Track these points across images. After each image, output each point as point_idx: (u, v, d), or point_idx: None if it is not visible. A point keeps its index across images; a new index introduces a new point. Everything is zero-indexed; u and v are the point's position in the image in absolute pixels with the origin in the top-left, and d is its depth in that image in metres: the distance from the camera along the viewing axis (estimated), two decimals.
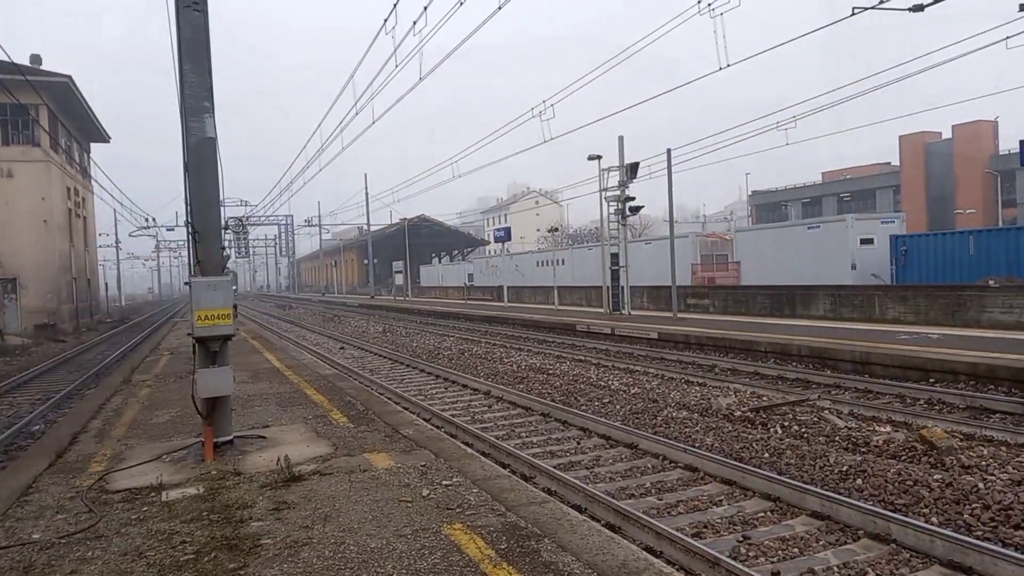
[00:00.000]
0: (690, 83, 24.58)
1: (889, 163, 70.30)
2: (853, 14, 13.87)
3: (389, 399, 11.54)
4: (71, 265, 41.94)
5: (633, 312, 26.50)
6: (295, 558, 4.40)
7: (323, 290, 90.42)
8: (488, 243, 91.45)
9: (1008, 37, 15.32)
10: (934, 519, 5.94)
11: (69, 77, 36.46)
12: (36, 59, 38.77)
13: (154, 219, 59.84)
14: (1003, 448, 7.86)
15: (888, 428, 8.93)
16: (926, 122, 72.68)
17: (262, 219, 75.73)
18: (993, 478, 6.71)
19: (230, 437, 7.35)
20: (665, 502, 6.81)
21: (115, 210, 68.02)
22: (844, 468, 7.25)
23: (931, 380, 11.88)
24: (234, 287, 67.30)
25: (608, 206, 26.09)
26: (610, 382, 13.22)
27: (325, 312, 46.57)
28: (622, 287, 26.39)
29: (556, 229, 47.01)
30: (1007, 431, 8.77)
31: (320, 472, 6.29)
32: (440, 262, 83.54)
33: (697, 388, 12.32)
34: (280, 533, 4.84)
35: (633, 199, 25.46)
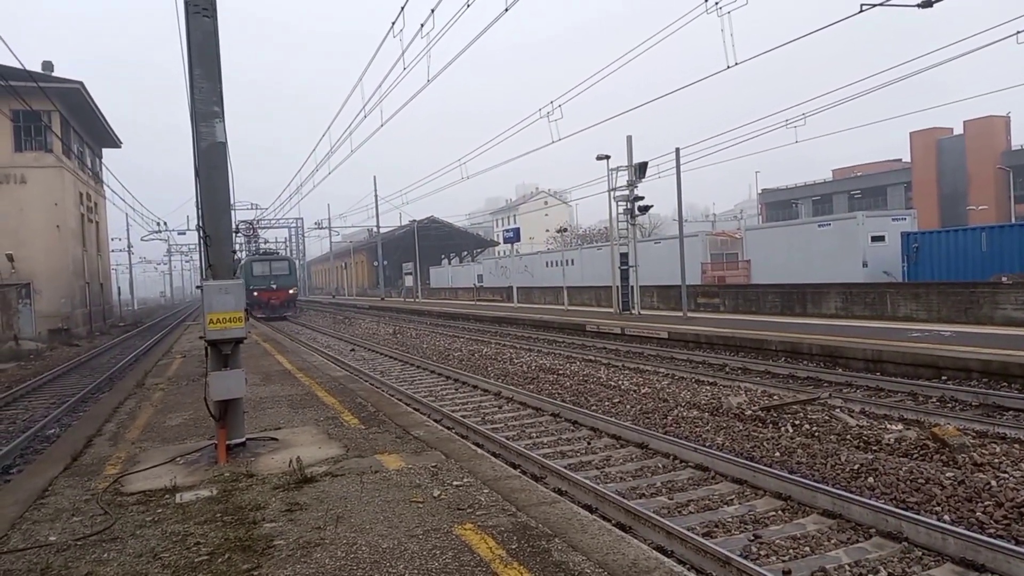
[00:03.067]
0: (698, 82, 24.51)
1: (900, 160, 69.92)
2: (861, 11, 13.82)
3: (400, 400, 11.58)
4: (84, 270, 42.29)
5: (643, 312, 26.46)
6: (308, 559, 4.44)
7: (333, 292, 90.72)
8: (497, 244, 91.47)
9: (1019, 32, 15.24)
10: (946, 517, 5.92)
11: (81, 83, 36.77)
12: (48, 66, 39.08)
13: (165, 223, 60.42)
14: (1016, 445, 7.82)
15: (900, 426, 8.89)
16: (937, 118, 72.15)
17: (273, 222, 76.08)
18: (1006, 475, 6.68)
19: (243, 439, 7.41)
20: (676, 501, 6.81)
21: (127, 215, 68.70)
22: (855, 466, 7.23)
23: (943, 378, 11.82)
24: (291, 290, 46.14)
25: (617, 206, 26.07)
26: (620, 382, 13.22)
27: (335, 314, 46.75)
28: (632, 287, 26.36)
29: (565, 229, 46.99)
30: (1020, 428, 8.72)
31: (332, 473, 6.34)
32: (450, 263, 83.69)
33: (707, 387, 12.31)
34: (293, 534, 4.88)
35: (642, 198, 25.43)
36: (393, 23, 14.07)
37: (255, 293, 41.95)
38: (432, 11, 13.17)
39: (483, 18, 14.23)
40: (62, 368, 22.83)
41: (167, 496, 5.91)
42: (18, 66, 13.35)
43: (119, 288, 68.70)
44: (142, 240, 66.81)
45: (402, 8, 13.49)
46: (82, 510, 5.66)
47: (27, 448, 11.91)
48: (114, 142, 49.46)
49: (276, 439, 7.84)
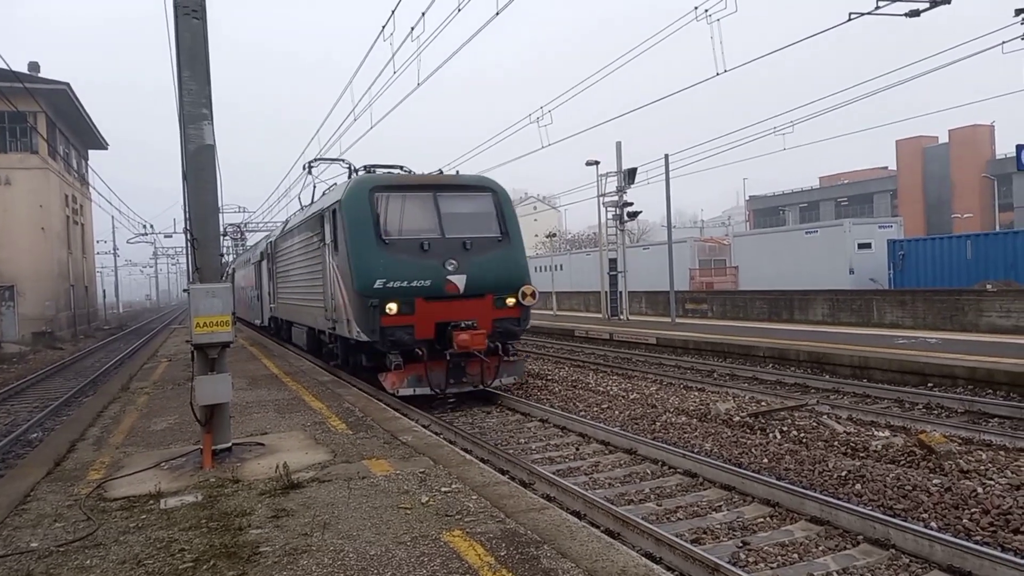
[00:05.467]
0: (687, 88, 24.68)
1: (886, 168, 70.43)
2: (849, 19, 13.93)
3: (388, 405, 11.51)
4: (69, 272, 41.91)
5: (631, 317, 26.51)
6: (294, 566, 4.39)
7: None
8: None
9: (1004, 42, 15.38)
10: (933, 524, 5.94)
11: (67, 84, 36.50)
12: (34, 66, 38.81)
13: (152, 226, 59.80)
14: (1002, 452, 7.86)
15: (887, 433, 8.93)
16: (923, 127, 72.84)
17: (260, 225, 75.54)
18: (992, 482, 6.71)
19: (228, 444, 7.33)
20: (664, 508, 6.81)
21: (113, 217, 68.02)
22: (843, 473, 7.25)
23: (929, 384, 11.89)
24: (514, 299, 11.59)
25: (606, 211, 26.14)
26: (609, 387, 13.21)
27: None
28: (620, 292, 26.41)
29: (554, 235, 47.07)
30: (1005, 435, 8.79)
31: (319, 479, 6.28)
32: None
33: (696, 393, 12.32)
34: (279, 541, 4.83)
35: (631, 204, 25.51)
36: (383, 27, 14.05)
37: (390, 308, 11.53)
38: (423, 14, 13.16)
39: (476, 22, 14.25)
40: (45, 371, 22.60)
41: (151, 502, 5.83)
42: (3, 66, 13.22)
43: (104, 291, 68.15)
44: (128, 243, 66.18)
45: (392, 12, 13.47)
46: (64, 516, 5.57)
47: (8, 452, 11.76)
48: (100, 144, 49.12)
49: (262, 444, 7.77)
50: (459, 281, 11.81)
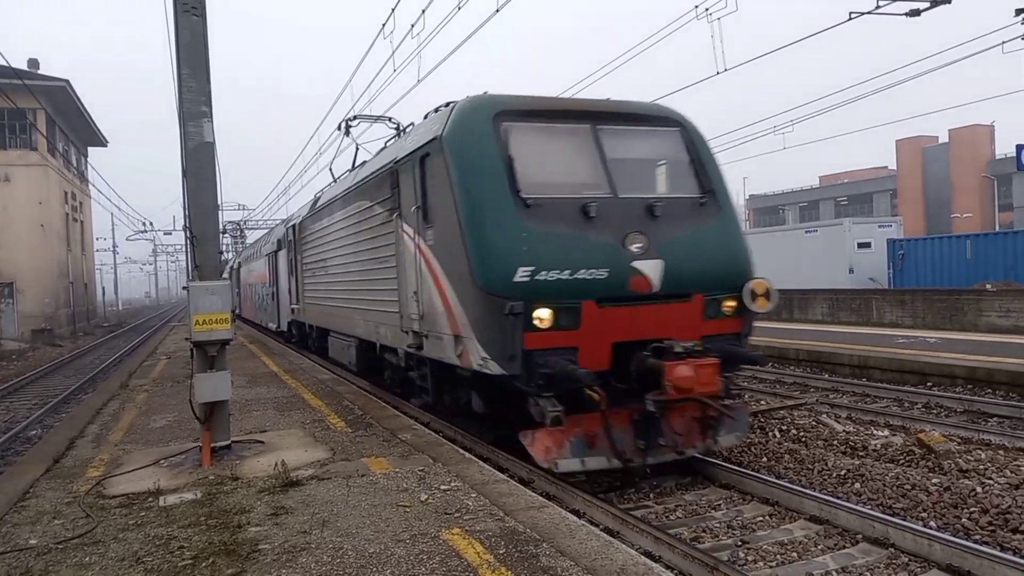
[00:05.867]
0: (687, 87, 24.68)
1: (886, 167, 70.48)
2: (850, 18, 13.92)
3: (387, 403, 11.51)
4: (68, 270, 41.92)
5: None
6: (293, 563, 4.39)
7: None
8: None
9: (1004, 42, 15.39)
10: (932, 523, 5.94)
11: (67, 81, 36.50)
12: (34, 63, 38.83)
13: (151, 223, 59.79)
14: (1001, 452, 7.87)
15: (886, 432, 8.94)
16: (923, 126, 72.78)
17: (260, 223, 75.48)
18: (991, 482, 6.72)
19: (228, 442, 7.34)
20: (664, 507, 6.80)
21: (112, 214, 68.03)
22: (842, 472, 7.25)
23: (929, 384, 11.89)
24: (729, 303, 7.58)
25: None
26: None
27: None
28: None
29: None
30: (1005, 435, 8.80)
31: (318, 477, 6.28)
32: None
33: None
34: (278, 538, 4.83)
35: None
36: (384, 25, 14.04)
37: (539, 318, 6.53)
38: (423, 11, 13.15)
39: (474, 19, 14.21)
40: (44, 368, 22.61)
41: (150, 499, 5.83)
42: (2, 63, 13.20)
43: (103, 288, 68.17)
44: (127, 240, 66.16)
45: (392, 10, 13.46)
46: (63, 513, 5.57)
47: (8, 450, 11.77)
48: (100, 141, 49.11)
49: (262, 442, 7.77)
50: (652, 271, 6.98)
